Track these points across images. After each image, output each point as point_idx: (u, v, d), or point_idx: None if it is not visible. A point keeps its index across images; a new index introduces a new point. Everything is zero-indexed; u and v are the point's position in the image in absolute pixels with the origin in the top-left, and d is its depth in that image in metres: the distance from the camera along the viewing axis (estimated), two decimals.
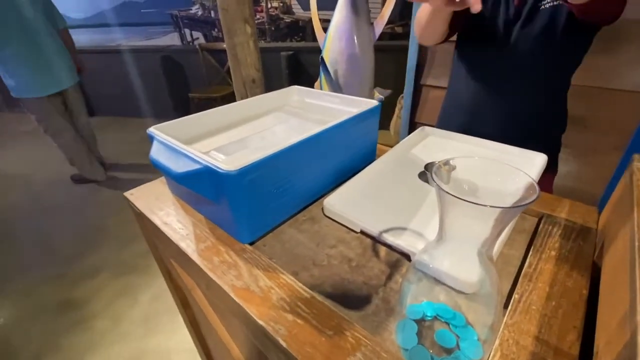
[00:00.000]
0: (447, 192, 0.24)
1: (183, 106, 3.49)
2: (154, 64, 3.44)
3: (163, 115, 3.61)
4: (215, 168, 0.44)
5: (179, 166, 0.48)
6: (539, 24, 0.69)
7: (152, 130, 0.57)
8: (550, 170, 0.86)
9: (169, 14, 5.24)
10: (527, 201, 0.23)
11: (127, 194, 0.67)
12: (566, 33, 0.69)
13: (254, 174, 0.46)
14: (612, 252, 0.38)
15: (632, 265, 0.29)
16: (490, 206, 0.22)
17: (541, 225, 0.51)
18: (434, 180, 0.26)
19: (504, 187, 0.30)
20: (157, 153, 0.53)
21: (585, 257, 0.45)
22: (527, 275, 0.42)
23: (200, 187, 0.47)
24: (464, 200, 0.23)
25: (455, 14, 0.73)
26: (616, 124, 1.12)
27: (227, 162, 0.44)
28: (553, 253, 0.46)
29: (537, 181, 0.59)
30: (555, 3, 0.67)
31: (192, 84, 3.51)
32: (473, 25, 0.78)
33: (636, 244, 0.30)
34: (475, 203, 0.22)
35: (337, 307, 0.41)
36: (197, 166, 0.46)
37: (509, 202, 0.29)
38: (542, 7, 0.68)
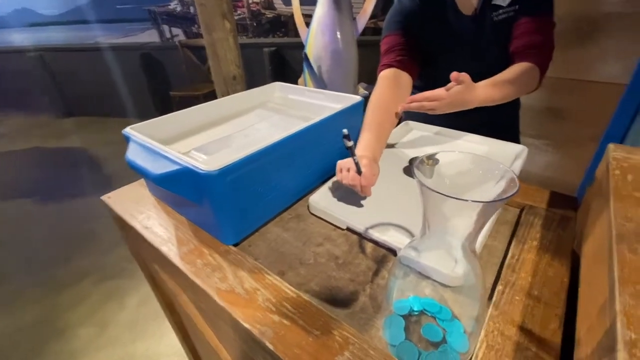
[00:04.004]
0: (429, 188, 0.23)
1: (164, 105, 3.41)
2: (133, 62, 3.33)
3: (144, 114, 3.51)
4: (194, 169, 0.42)
5: (157, 167, 0.46)
6: (498, 34, 0.69)
7: (128, 130, 0.55)
8: None
9: (147, 10, 5.07)
10: (507, 195, 0.23)
11: (104, 197, 0.64)
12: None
13: (235, 173, 0.44)
14: (591, 240, 0.39)
15: (610, 254, 0.29)
16: (472, 201, 0.22)
17: (523, 216, 0.52)
18: (416, 176, 0.25)
19: (486, 180, 0.30)
20: (133, 154, 0.51)
21: (565, 246, 0.46)
22: (510, 266, 0.43)
23: (180, 189, 0.46)
24: (446, 195, 0.22)
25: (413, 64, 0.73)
26: (592, 114, 1.16)
27: (207, 162, 0.43)
28: (535, 243, 0.47)
29: (518, 173, 0.61)
30: (506, 14, 0.67)
31: (173, 82, 3.42)
32: (428, 43, 0.75)
33: (613, 232, 0.31)
34: (456, 198, 0.22)
35: (324, 305, 0.40)
36: (175, 167, 0.44)
37: (491, 194, 0.29)
38: (496, 18, 0.68)
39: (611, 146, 0.46)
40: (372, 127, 0.63)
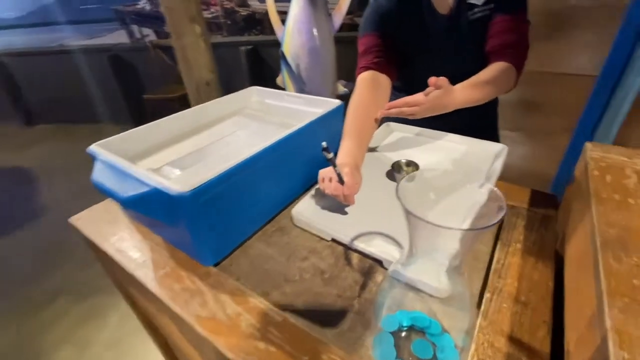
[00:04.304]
0: (415, 216, 0.22)
1: (138, 109, 3.27)
2: (102, 64, 3.17)
3: (117, 119, 3.37)
4: (165, 190, 0.40)
5: (126, 189, 0.43)
6: (472, 34, 0.69)
7: (93, 148, 0.52)
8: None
9: (113, 9, 4.81)
10: (495, 220, 0.22)
11: (72, 219, 0.60)
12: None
13: (211, 192, 0.42)
14: (574, 244, 0.39)
15: (595, 264, 0.29)
16: (458, 229, 0.21)
17: (506, 218, 0.52)
18: (400, 202, 0.24)
19: (470, 194, 0.29)
20: (100, 175, 0.48)
21: (548, 246, 0.46)
22: (497, 271, 0.43)
23: (152, 211, 0.43)
24: (432, 224, 0.21)
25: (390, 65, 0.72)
26: (565, 106, 1.19)
27: (180, 181, 0.40)
28: (519, 246, 0.47)
29: (499, 172, 0.61)
30: (482, 13, 0.67)
31: (146, 84, 3.29)
32: (405, 43, 0.74)
33: (597, 240, 0.31)
34: (442, 227, 0.21)
35: (312, 327, 0.39)
36: (145, 188, 0.41)
37: (477, 199, 0.28)
38: (471, 17, 0.68)
39: (588, 145, 0.46)
40: (353, 133, 0.62)
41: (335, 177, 0.52)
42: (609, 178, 0.39)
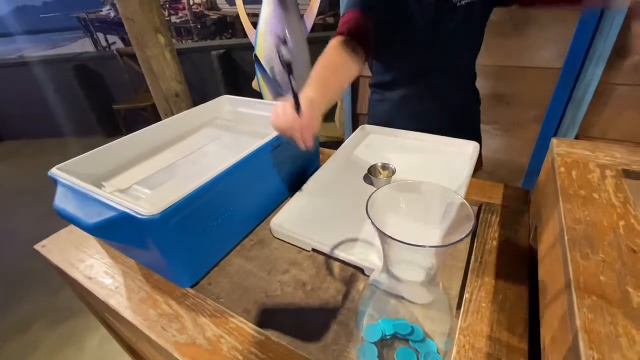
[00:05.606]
0: (388, 236, 0.22)
1: (109, 120, 3.15)
2: (67, 75, 3.03)
3: (86, 132, 3.24)
4: (133, 214, 0.38)
5: (91, 215, 0.41)
6: (460, 21, 0.69)
7: (55, 171, 0.49)
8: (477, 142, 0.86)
9: (76, 17, 4.59)
10: (464, 234, 0.22)
11: (37, 246, 0.57)
12: (480, 24, 0.71)
13: (182, 212, 0.40)
14: (545, 239, 0.40)
15: (564, 261, 0.30)
16: (429, 246, 0.21)
17: (481, 214, 0.53)
18: (370, 219, 0.24)
19: (443, 199, 0.30)
20: (62, 200, 0.45)
21: (522, 242, 0.48)
22: (475, 270, 0.44)
23: (121, 237, 0.41)
24: (404, 243, 0.21)
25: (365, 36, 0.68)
26: (533, 98, 1.23)
27: (148, 203, 0.38)
28: (495, 243, 0.48)
29: (472, 169, 0.62)
30: (468, 0, 0.67)
31: (115, 94, 3.17)
32: (389, 31, 0.72)
33: (565, 237, 0.32)
34: (414, 245, 0.21)
35: (295, 343, 0.38)
36: (112, 213, 0.39)
37: (448, 217, 0.29)
38: (459, 4, 0.67)
39: (554, 141, 0.48)
40: (316, 83, 0.56)
41: (290, 108, 0.46)
42: (574, 173, 0.41)
